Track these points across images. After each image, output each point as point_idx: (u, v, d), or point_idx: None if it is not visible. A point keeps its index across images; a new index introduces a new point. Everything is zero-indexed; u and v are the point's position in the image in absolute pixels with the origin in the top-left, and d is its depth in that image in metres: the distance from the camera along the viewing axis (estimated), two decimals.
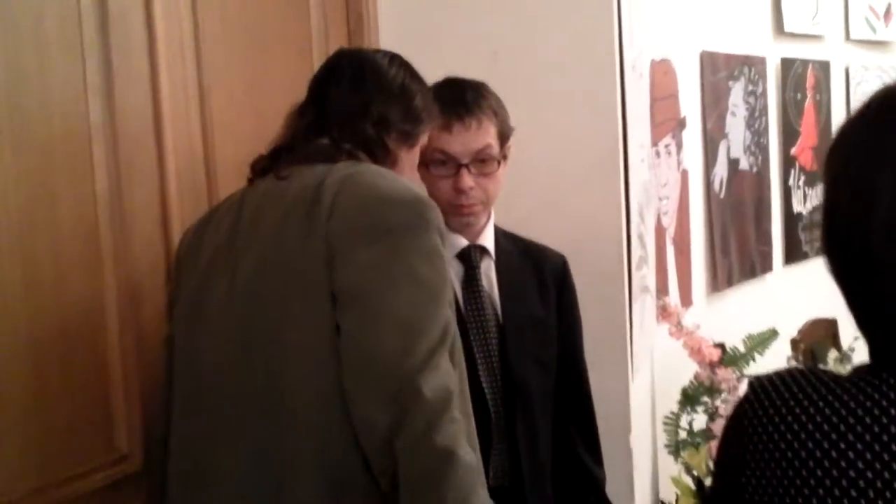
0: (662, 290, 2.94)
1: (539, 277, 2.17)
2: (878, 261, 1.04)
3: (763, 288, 3.85)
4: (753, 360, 2.94)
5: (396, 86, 1.74)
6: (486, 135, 2.03)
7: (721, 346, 2.85)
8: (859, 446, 1.02)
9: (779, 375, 1.12)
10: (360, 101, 1.69)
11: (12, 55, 1.57)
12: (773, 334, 3.02)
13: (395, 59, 1.80)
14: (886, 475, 1.00)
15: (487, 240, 2.14)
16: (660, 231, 2.95)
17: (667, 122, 3.07)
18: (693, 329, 2.80)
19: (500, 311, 2.09)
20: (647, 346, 2.71)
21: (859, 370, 1.09)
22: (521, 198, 2.37)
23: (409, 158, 1.78)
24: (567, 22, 2.38)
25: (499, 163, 2.06)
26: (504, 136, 2.08)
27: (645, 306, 2.64)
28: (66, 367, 1.65)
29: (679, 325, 2.81)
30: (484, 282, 2.11)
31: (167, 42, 1.85)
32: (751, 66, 3.74)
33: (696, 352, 2.79)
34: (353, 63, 1.76)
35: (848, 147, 1.12)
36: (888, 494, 1.00)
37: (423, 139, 1.82)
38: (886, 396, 1.03)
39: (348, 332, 1.49)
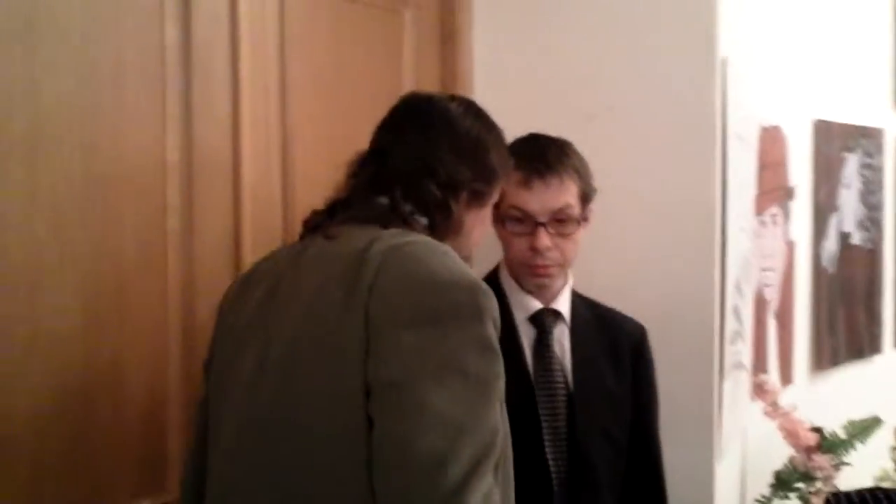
0: (760, 366, 2.79)
1: (614, 348, 2.07)
2: None
3: (870, 371, 3.66)
4: (853, 447, 2.77)
5: (470, 140, 1.61)
6: (567, 194, 1.94)
7: (819, 430, 2.69)
8: None
9: (860, 494, 1.02)
10: (427, 156, 1.57)
11: (87, 85, 1.56)
12: (875, 422, 2.84)
13: (470, 107, 1.68)
14: None
15: (562, 304, 2.05)
16: (761, 304, 2.82)
17: (774, 191, 2.95)
18: (790, 410, 2.65)
19: (570, 380, 1.99)
20: (737, 426, 2.56)
21: None
22: (609, 263, 2.28)
23: (480, 218, 1.66)
24: (669, 84, 2.29)
25: (578, 223, 1.97)
26: (586, 196, 1.99)
27: (738, 383, 2.51)
28: (119, 404, 1.62)
29: (775, 404, 2.67)
30: (556, 348, 2.02)
31: (251, 83, 1.83)
32: (867, 137, 3.58)
33: (791, 435, 2.64)
34: (422, 111, 1.64)
35: None
36: None
37: (496, 196, 1.71)
38: None
39: (382, 426, 1.32)
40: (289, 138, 1.93)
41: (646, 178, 2.30)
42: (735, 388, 2.47)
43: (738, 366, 2.49)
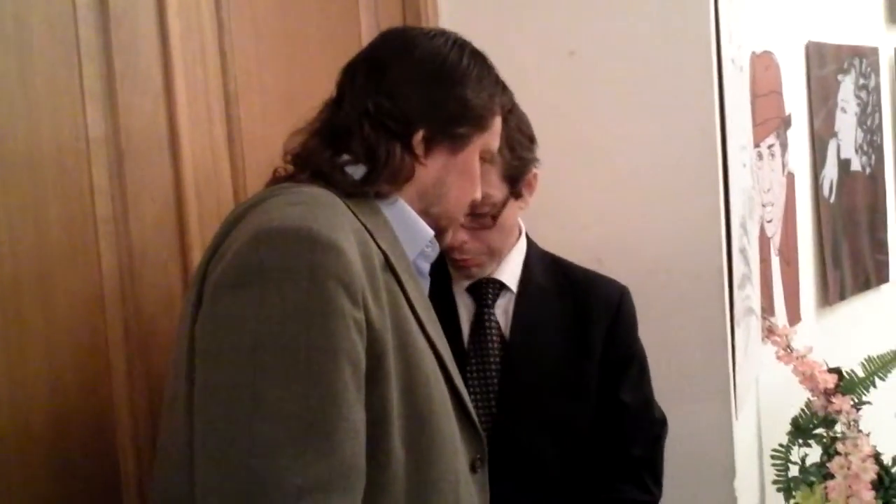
0: (768, 308, 2.61)
1: (582, 319, 1.83)
2: None
3: (879, 301, 3.50)
4: (874, 385, 2.59)
5: (433, 66, 1.39)
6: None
7: (836, 370, 2.51)
8: None
9: None
10: (376, 92, 1.36)
11: None
12: (895, 356, 2.66)
13: (443, 35, 1.45)
14: None
15: (507, 273, 1.83)
16: (764, 242, 2.63)
17: (769, 121, 2.77)
18: (805, 352, 2.48)
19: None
20: (752, 375, 2.38)
21: None
22: (605, 212, 2.09)
23: (455, 166, 1.42)
24: (657, 14, 2.06)
25: (499, 211, 1.72)
26: (515, 174, 1.73)
27: (749, 329, 2.32)
28: (56, 418, 1.40)
29: (788, 348, 2.50)
30: (502, 321, 1.80)
31: (183, 42, 1.60)
32: (862, 57, 3.41)
33: (808, 378, 2.47)
34: (384, 43, 1.44)
35: None
36: None
37: (484, 141, 1.46)
38: None
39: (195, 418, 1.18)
40: (232, 101, 1.70)
41: (639, 115, 2.08)
42: (747, 336, 2.28)
43: (749, 311, 2.30)
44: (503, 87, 1.51)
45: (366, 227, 1.29)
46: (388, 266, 1.30)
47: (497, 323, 1.80)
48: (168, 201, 1.58)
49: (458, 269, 1.79)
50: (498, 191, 1.71)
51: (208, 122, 1.66)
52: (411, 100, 1.37)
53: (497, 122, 1.50)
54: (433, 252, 1.44)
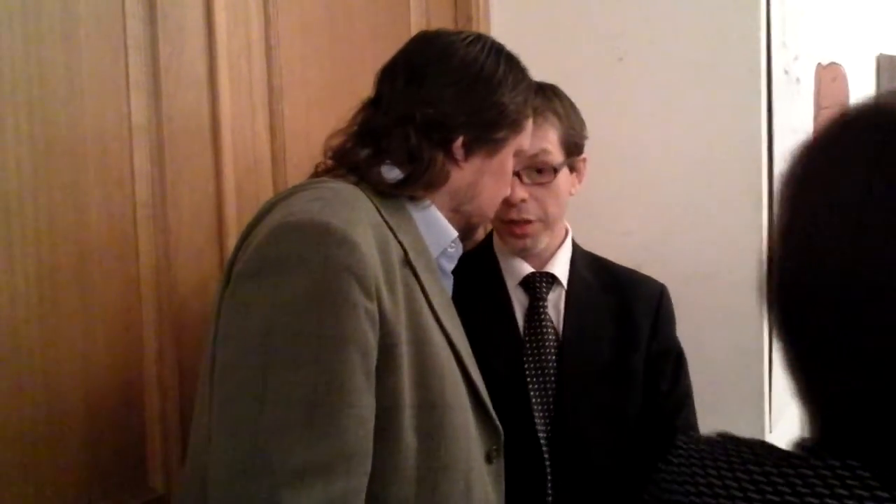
0: None
1: (625, 313, 1.87)
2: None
3: None
4: None
5: (471, 73, 1.42)
6: (544, 140, 1.74)
7: None
8: None
9: (709, 442, 0.94)
10: (414, 96, 1.40)
11: (33, 40, 1.38)
12: None
13: (482, 39, 1.48)
14: None
15: (558, 266, 1.86)
16: None
17: None
18: None
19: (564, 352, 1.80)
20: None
21: (796, 454, 0.89)
22: (647, 217, 2.08)
23: (489, 169, 1.47)
24: (706, 21, 2.06)
25: (557, 172, 1.76)
26: (570, 145, 1.79)
27: None
28: (89, 400, 1.46)
29: None
30: (552, 315, 1.83)
31: (229, 34, 1.65)
32: None
33: None
34: (421, 47, 1.47)
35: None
36: None
37: (516, 143, 1.51)
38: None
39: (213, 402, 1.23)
40: (275, 95, 1.75)
41: (684, 123, 2.08)
42: None
43: None
44: (534, 89, 1.55)
45: (388, 223, 1.33)
46: (407, 262, 1.33)
47: (549, 315, 1.83)
48: (207, 190, 1.62)
49: (513, 237, 1.81)
50: (555, 150, 1.77)
51: (251, 115, 1.71)
52: (452, 106, 1.40)
53: (529, 124, 1.54)
54: (456, 252, 1.48)
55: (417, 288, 1.34)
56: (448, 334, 1.37)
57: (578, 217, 1.96)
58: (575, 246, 1.92)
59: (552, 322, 1.83)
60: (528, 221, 1.78)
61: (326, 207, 1.24)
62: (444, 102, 1.40)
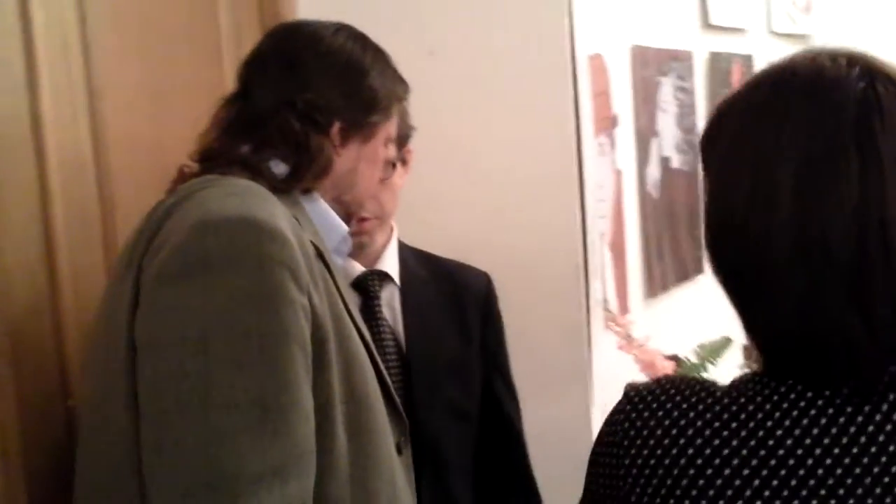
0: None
1: (457, 305, 1.89)
2: (778, 268, 0.93)
3: (697, 291, 3.69)
4: (706, 370, 2.74)
5: (341, 59, 1.43)
6: None
7: (674, 357, 2.64)
8: (744, 452, 0.95)
9: (657, 383, 1.05)
10: (289, 86, 1.38)
11: None
12: (726, 342, 2.82)
13: (344, 27, 1.50)
14: (765, 473, 0.93)
15: (388, 264, 1.86)
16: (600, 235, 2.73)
17: (601, 120, 2.87)
18: (644, 341, 2.59)
19: (404, 348, 1.80)
20: (601, 367, 2.48)
21: (742, 378, 1.02)
22: (465, 208, 2.12)
23: (365, 156, 1.47)
24: (514, 13, 2.12)
25: (394, 167, 1.77)
26: (402, 137, 1.78)
27: (597, 320, 2.41)
28: None
29: (629, 337, 2.60)
30: (387, 314, 1.82)
31: (47, 35, 1.53)
32: (679, 60, 3.58)
33: (648, 366, 2.58)
34: (286, 36, 1.47)
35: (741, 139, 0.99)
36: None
37: (387, 129, 1.52)
38: (769, 401, 0.96)
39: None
40: (96, 96, 1.64)
41: (498, 113, 2.13)
42: (597, 328, 2.37)
43: (598, 303, 2.39)
44: (400, 76, 1.57)
45: (295, 218, 1.30)
46: (319, 255, 1.31)
47: (384, 314, 1.81)
48: (31, 200, 1.50)
49: (353, 236, 1.78)
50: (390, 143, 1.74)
51: (73, 119, 1.59)
52: (329, 91, 1.39)
53: (396, 111, 1.57)
54: (346, 247, 1.47)
55: (331, 282, 1.33)
56: (359, 327, 1.37)
57: (397, 211, 1.95)
58: (400, 242, 1.92)
59: (388, 321, 1.81)
60: (366, 219, 1.75)
61: (249, 201, 1.20)
62: (321, 87, 1.39)
